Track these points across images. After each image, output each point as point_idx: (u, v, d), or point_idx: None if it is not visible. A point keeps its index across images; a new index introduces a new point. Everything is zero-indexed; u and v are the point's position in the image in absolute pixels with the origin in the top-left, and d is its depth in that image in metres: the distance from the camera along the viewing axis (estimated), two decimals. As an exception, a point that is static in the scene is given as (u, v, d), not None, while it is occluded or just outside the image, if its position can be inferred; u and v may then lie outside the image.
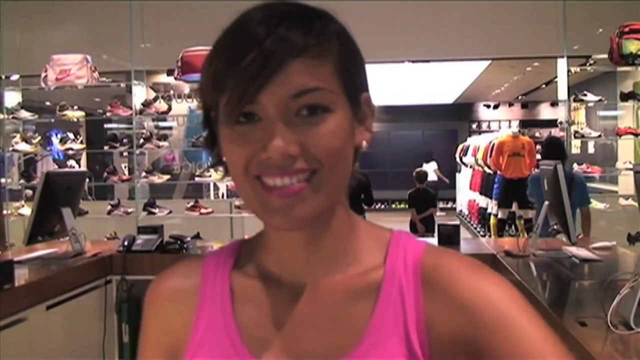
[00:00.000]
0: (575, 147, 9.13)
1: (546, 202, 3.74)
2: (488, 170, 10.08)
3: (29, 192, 6.56)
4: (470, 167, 11.95)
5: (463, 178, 13.06)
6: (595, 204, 5.99)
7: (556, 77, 6.29)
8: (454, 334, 0.73)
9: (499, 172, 8.98)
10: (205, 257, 0.89)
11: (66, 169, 7.42)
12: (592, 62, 6.44)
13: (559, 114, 6.55)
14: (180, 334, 0.84)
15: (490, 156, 9.23)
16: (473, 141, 12.20)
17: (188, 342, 0.83)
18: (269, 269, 0.83)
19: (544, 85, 12.75)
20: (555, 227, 3.85)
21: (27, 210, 5.64)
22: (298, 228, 0.75)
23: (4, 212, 5.92)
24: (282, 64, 0.69)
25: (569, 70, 5.84)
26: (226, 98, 0.71)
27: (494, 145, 9.23)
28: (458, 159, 13.08)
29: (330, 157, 0.72)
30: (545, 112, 16.11)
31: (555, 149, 5.23)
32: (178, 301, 0.86)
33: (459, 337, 0.72)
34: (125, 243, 3.58)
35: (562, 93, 5.99)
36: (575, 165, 6.74)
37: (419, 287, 0.77)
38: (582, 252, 3.50)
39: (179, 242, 3.71)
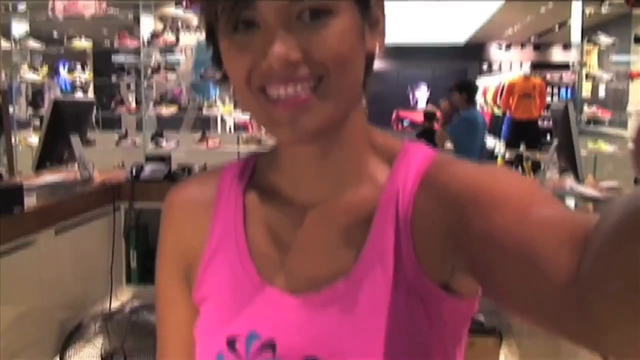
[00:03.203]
0: (585, 90, 9.04)
1: (555, 141, 3.72)
2: (497, 111, 10.01)
3: (37, 123, 6.57)
4: (480, 107, 11.86)
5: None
6: (604, 147, 5.97)
7: (570, 18, 6.18)
8: (442, 229, 0.72)
9: (508, 112, 8.91)
10: (222, 171, 0.88)
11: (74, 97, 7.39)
12: (607, 3, 6.32)
13: (571, 57, 6.46)
14: (194, 246, 0.84)
15: (500, 97, 9.15)
16: (483, 82, 12.08)
17: (201, 255, 0.83)
18: (280, 188, 0.83)
19: (557, 28, 12.54)
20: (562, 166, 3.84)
21: (35, 140, 5.65)
22: (306, 140, 0.73)
23: (13, 141, 5.93)
24: None
25: (583, 12, 5.73)
26: (222, 5, 0.68)
27: (504, 86, 9.14)
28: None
29: (337, 62, 0.69)
30: (557, 54, 15.87)
31: (468, 90, 5.58)
32: (193, 213, 0.86)
33: (447, 231, 0.71)
34: (134, 171, 3.59)
35: (576, 35, 5.90)
36: (585, 108, 6.69)
37: (414, 194, 0.76)
38: (590, 191, 3.51)
39: (187, 172, 3.72)
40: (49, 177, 3.65)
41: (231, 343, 0.77)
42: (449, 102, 6.51)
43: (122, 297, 3.52)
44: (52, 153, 3.55)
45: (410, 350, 0.74)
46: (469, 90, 6.21)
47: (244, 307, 0.78)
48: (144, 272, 3.56)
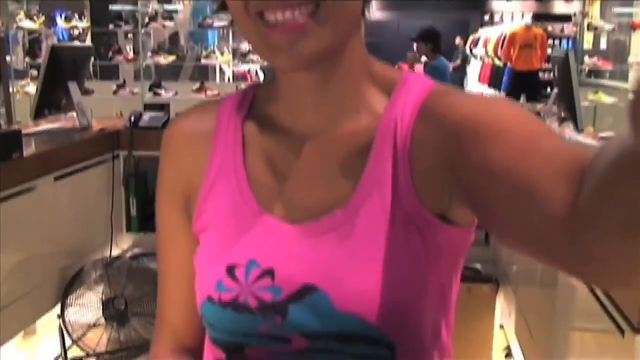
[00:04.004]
0: (587, 42, 8.96)
1: (555, 90, 3.70)
2: (498, 63, 9.94)
3: (35, 72, 6.52)
4: (480, 58, 11.77)
5: (472, 71, 12.88)
6: (604, 98, 5.95)
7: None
8: (438, 157, 0.72)
9: (509, 64, 8.85)
10: (221, 102, 0.88)
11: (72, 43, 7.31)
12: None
13: (573, 8, 6.39)
14: (193, 176, 0.85)
15: (502, 48, 9.07)
16: (484, 32, 11.96)
17: (201, 185, 0.84)
18: (279, 118, 0.83)
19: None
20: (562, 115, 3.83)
21: (32, 89, 5.62)
22: (303, 67, 0.73)
23: (10, 90, 5.89)
24: None
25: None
26: None
27: (505, 36, 9.06)
28: (468, 51, 12.86)
29: None
30: (559, 6, 15.68)
31: (433, 40, 5.64)
32: (192, 144, 0.86)
33: (445, 161, 0.72)
34: (132, 119, 3.57)
35: (579, -15, 5.82)
36: (586, 59, 6.64)
37: (412, 123, 0.76)
38: (589, 141, 3.51)
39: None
40: (48, 124, 3.64)
41: (231, 270, 0.78)
42: (415, 53, 6.55)
43: (123, 245, 3.54)
44: (50, 100, 3.53)
45: (406, 278, 0.74)
46: (434, 39, 6.21)
47: (243, 235, 0.79)
48: (143, 219, 3.57)
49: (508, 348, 3.25)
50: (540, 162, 0.60)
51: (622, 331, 1.57)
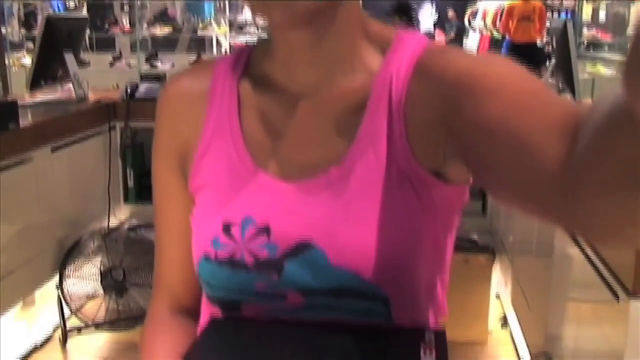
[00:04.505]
0: (585, 14, 8.91)
1: (553, 61, 3.69)
2: (497, 35, 9.89)
3: (30, 45, 6.48)
4: (479, 31, 11.71)
5: (470, 43, 12.81)
6: (603, 70, 5.93)
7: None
8: (434, 115, 0.72)
9: (507, 36, 8.81)
10: (216, 62, 0.88)
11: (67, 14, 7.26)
12: None
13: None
14: (189, 136, 0.85)
15: (500, 20, 9.02)
16: (483, 5, 11.88)
17: (196, 145, 0.84)
18: (274, 77, 0.82)
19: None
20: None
21: (28, 61, 5.59)
22: (298, 22, 0.72)
23: (6, 62, 5.86)
24: None
25: None
26: None
27: (504, 8, 9.01)
28: (467, 23, 12.79)
29: None
30: (558, -22, 15.56)
31: (406, 13, 5.68)
32: (188, 103, 0.86)
33: (440, 117, 0.72)
34: (128, 90, 3.56)
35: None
36: (584, 30, 6.60)
37: (407, 80, 0.76)
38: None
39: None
40: (44, 96, 3.62)
41: (227, 228, 0.78)
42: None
43: (120, 216, 3.55)
44: (46, 71, 3.51)
45: (401, 234, 0.75)
46: (407, 12, 6.18)
47: (239, 193, 0.79)
48: (141, 191, 3.58)
49: (504, 318, 3.27)
50: (535, 117, 0.60)
51: (617, 297, 1.59)
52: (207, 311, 0.85)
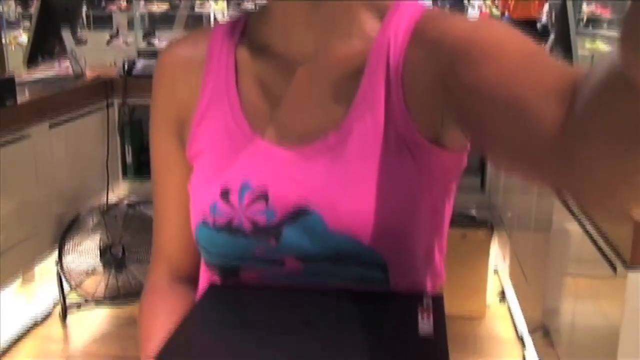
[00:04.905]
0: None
1: (552, 35, 3.67)
2: (496, 12, 9.83)
3: (27, 23, 6.44)
4: (478, 8, 11.64)
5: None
6: (602, 47, 5.90)
7: None
8: (432, 78, 0.72)
9: (506, 13, 8.76)
10: (213, 29, 0.88)
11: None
12: None
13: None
14: (186, 103, 0.84)
15: (499, -3, 8.98)
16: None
17: (194, 111, 0.84)
18: (271, 43, 0.82)
19: None
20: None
21: (25, 39, 5.56)
22: None
23: (3, 40, 5.83)
24: None
25: None
26: None
27: (503, -15, 8.95)
28: (466, 0, 12.71)
29: None
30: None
31: None
32: (185, 70, 0.86)
33: (438, 82, 0.72)
34: (125, 67, 3.54)
35: None
36: (584, 6, 6.57)
37: (405, 46, 0.75)
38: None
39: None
40: (41, 73, 3.61)
41: (225, 194, 0.78)
42: None
43: (119, 192, 3.55)
44: (43, 47, 3.49)
45: (399, 199, 0.75)
46: None
47: (236, 159, 0.79)
48: (139, 167, 3.58)
49: (502, 292, 3.29)
50: (532, 81, 0.60)
51: (614, 269, 1.59)
52: (206, 278, 0.86)
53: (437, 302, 0.75)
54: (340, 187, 0.75)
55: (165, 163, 0.89)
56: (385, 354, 0.66)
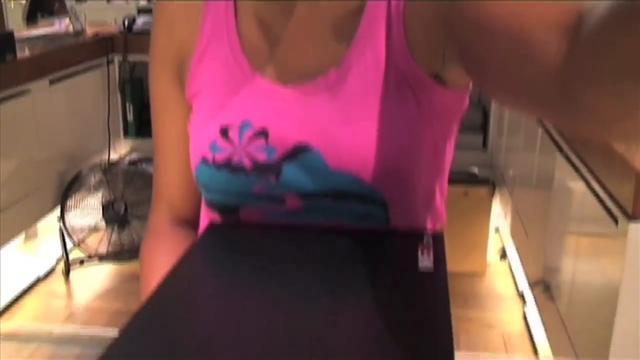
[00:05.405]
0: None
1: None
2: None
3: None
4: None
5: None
6: None
7: None
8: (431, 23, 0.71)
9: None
10: None
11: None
12: None
13: None
14: (186, 42, 0.84)
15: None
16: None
17: (193, 50, 0.83)
18: None
19: None
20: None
21: (24, -3, 5.50)
22: None
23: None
24: None
25: None
26: None
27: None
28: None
29: None
30: None
31: None
32: (184, 10, 0.85)
33: (440, 17, 0.71)
34: (125, 23, 3.51)
35: None
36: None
37: None
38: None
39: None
40: (41, 30, 3.58)
41: (224, 132, 0.78)
42: None
43: (120, 150, 3.54)
44: (42, 4, 3.46)
45: (400, 136, 0.74)
46: None
47: (236, 97, 0.78)
48: (140, 125, 3.56)
49: (503, 250, 3.30)
50: (536, 13, 0.59)
51: (616, 221, 1.59)
52: (206, 218, 0.86)
53: (438, 239, 0.75)
54: (340, 124, 0.74)
55: (164, 104, 0.88)
56: (386, 288, 0.66)
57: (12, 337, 2.68)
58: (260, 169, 0.76)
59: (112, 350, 0.56)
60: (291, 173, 0.75)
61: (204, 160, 0.79)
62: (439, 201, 0.84)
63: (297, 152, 0.75)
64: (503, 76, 0.63)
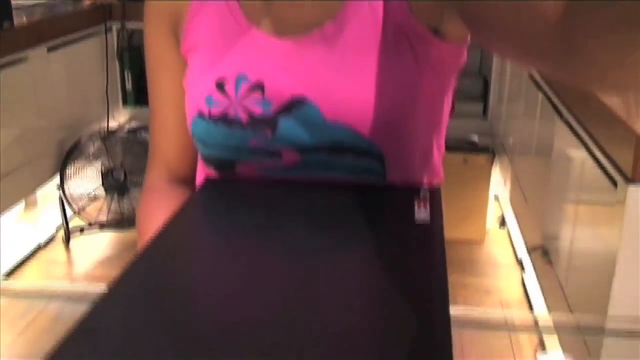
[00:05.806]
0: None
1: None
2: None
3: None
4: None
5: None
6: None
7: None
8: None
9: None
10: None
11: None
12: None
13: None
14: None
15: None
16: None
17: (188, 4, 0.82)
18: None
19: None
20: None
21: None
22: None
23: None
24: None
25: None
26: None
27: None
28: None
29: None
30: None
31: None
32: None
33: None
34: (124, -10, 3.47)
35: None
36: None
37: None
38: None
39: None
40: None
41: (220, 85, 0.77)
42: None
43: (119, 119, 3.53)
44: (38, -29, 3.42)
45: (397, 89, 0.74)
46: None
47: (231, 50, 0.78)
48: (139, 94, 3.55)
49: (502, 217, 3.30)
50: None
51: (615, 184, 1.59)
52: (203, 174, 0.85)
53: (435, 194, 0.75)
54: (336, 76, 0.73)
55: (160, 64, 0.87)
56: (383, 240, 0.66)
57: (18, 295, 2.70)
58: (256, 122, 0.76)
59: (101, 302, 0.56)
60: (287, 126, 0.75)
61: (200, 114, 0.78)
62: (437, 157, 0.84)
63: (293, 105, 0.74)
64: (502, 28, 0.63)
